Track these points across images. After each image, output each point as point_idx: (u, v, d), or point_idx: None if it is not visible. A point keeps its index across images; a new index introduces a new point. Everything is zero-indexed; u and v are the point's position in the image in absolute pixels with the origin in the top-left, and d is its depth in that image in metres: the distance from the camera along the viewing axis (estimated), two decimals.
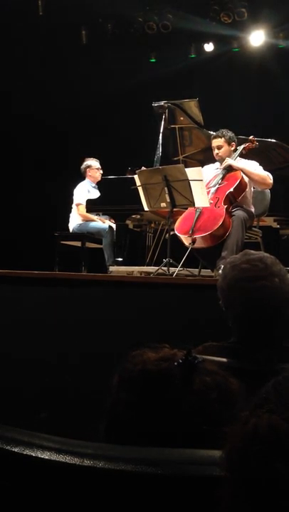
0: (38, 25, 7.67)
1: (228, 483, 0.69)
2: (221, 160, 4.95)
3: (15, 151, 7.93)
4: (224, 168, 4.92)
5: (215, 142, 4.99)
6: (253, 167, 4.88)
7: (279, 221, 5.68)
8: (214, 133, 5.25)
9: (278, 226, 5.74)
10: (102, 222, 6.07)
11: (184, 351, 1.01)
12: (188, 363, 0.98)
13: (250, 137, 5.17)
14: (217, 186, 4.84)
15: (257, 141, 5.22)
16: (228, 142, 4.96)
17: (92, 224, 6.06)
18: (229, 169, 4.90)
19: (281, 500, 0.64)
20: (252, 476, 0.66)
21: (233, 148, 4.99)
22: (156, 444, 0.90)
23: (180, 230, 4.72)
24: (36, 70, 7.78)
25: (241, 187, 4.82)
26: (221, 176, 4.91)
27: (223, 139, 4.95)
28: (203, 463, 0.81)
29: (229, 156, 4.95)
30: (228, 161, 4.89)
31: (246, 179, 4.85)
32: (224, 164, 4.91)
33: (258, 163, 4.94)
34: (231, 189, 4.77)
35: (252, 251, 1.79)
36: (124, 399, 0.99)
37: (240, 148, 5.03)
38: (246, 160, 5.02)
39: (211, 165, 5.14)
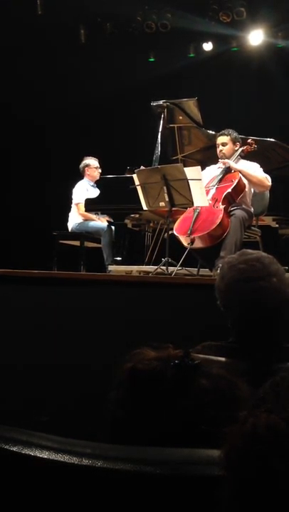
0: (36, 25, 7.66)
1: (227, 483, 0.69)
2: (224, 157, 4.98)
3: (14, 151, 7.93)
4: (223, 169, 4.95)
5: (220, 139, 5.06)
6: (253, 169, 4.91)
7: (278, 220, 5.67)
8: (213, 132, 5.27)
9: (277, 225, 5.74)
10: (100, 222, 6.07)
11: (188, 352, 1.00)
12: (183, 365, 0.97)
13: (249, 140, 5.20)
14: (216, 187, 4.86)
15: (256, 140, 5.23)
16: (233, 141, 5.05)
17: (91, 223, 6.06)
18: (228, 170, 4.94)
19: (280, 499, 0.64)
20: (250, 475, 0.66)
21: (236, 148, 5.05)
22: (149, 444, 0.90)
23: (179, 230, 4.73)
24: (35, 69, 7.77)
25: (239, 188, 4.84)
26: (219, 176, 4.94)
27: (229, 137, 5.03)
28: (202, 463, 0.81)
29: (232, 154, 5.00)
30: (228, 163, 4.92)
31: (245, 180, 4.87)
32: (225, 165, 4.94)
33: (258, 165, 4.97)
34: (229, 190, 4.79)
35: (249, 250, 1.79)
36: (115, 397, 0.99)
37: (239, 150, 5.07)
38: (247, 161, 5.05)
39: (213, 166, 5.17)
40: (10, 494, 0.85)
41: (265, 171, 5.00)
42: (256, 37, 7.92)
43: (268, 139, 5.60)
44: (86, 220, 6.08)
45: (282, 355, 1.65)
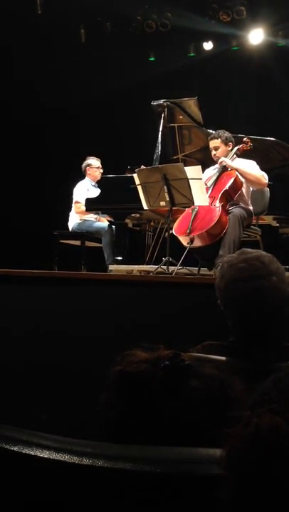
0: (36, 25, 7.65)
1: (227, 483, 0.69)
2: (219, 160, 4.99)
3: (15, 150, 7.93)
4: (220, 168, 4.95)
5: (212, 143, 5.05)
6: (249, 167, 4.91)
7: (278, 220, 5.68)
8: (214, 131, 5.26)
9: (278, 225, 5.74)
10: (100, 222, 6.07)
11: (178, 353, 1.00)
12: (172, 366, 0.97)
13: (245, 139, 5.19)
14: (213, 185, 4.87)
15: (256, 139, 5.24)
16: (225, 143, 5.01)
17: (91, 223, 6.06)
18: (224, 169, 4.95)
19: (280, 501, 0.65)
20: (251, 476, 0.66)
21: (230, 148, 5.04)
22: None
23: (178, 231, 4.74)
24: (35, 69, 7.77)
25: (236, 185, 4.84)
26: (216, 175, 4.94)
27: (219, 139, 5.01)
28: (202, 461, 0.81)
29: (226, 156, 4.99)
30: (225, 161, 4.91)
31: (242, 178, 4.87)
32: (222, 164, 4.94)
33: (255, 163, 4.97)
34: (226, 187, 4.80)
35: (249, 249, 1.78)
36: (105, 400, 0.99)
37: (234, 149, 5.06)
38: (244, 159, 5.04)
39: (211, 167, 5.17)
40: (11, 494, 0.85)
41: (266, 170, 4.99)
42: (256, 36, 7.92)
43: (268, 138, 5.60)
44: (86, 220, 6.08)
45: (282, 354, 1.65)
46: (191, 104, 5.80)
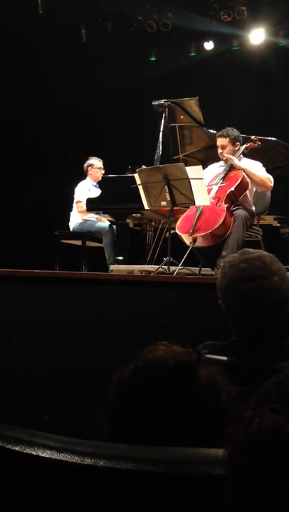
0: (37, 25, 7.66)
1: (230, 483, 0.69)
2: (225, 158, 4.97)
3: (16, 150, 7.93)
4: (226, 167, 4.93)
5: (219, 141, 5.00)
6: (256, 168, 4.88)
7: (279, 219, 5.67)
8: (215, 131, 5.25)
9: (279, 225, 5.74)
10: (101, 222, 6.07)
11: (185, 348, 1.02)
12: (200, 358, 0.99)
13: (253, 137, 5.15)
14: (218, 185, 4.84)
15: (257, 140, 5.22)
16: (233, 142, 4.96)
17: (92, 223, 6.06)
18: (231, 168, 4.91)
19: (282, 501, 0.65)
20: (254, 476, 0.66)
21: (237, 148, 4.99)
22: (163, 436, 0.90)
23: (181, 229, 4.72)
24: (35, 69, 7.78)
25: (243, 186, 4.82)
26: (222, 174, 4.91)
27: (227, 138, 4.95)
28: (204, 462, 0.81)
29: (233, 155, 4.95)
30: (232, 160, 4.88)
31: (248, 178, 4.85)
32: (228, 162, 4.92)
33: (261, 164, 4.94)
34: (232, 188, 4.77)
35: (250, 249, 1.79)
36: (140, 389, 0.99)
37: (242, 147, 5.03)
38: (250, 160, 5.01)
39: (216, 164, 5.14)
40: (12, 493, 0.85)
41: (267, 170, 4.98)
42: (257, 36, 7.91)
43: (270, 138, 5.59)
44: (87, 219, 6.08)
45: (283, 353, 1.65)
46: (192, 104, 5.80)
